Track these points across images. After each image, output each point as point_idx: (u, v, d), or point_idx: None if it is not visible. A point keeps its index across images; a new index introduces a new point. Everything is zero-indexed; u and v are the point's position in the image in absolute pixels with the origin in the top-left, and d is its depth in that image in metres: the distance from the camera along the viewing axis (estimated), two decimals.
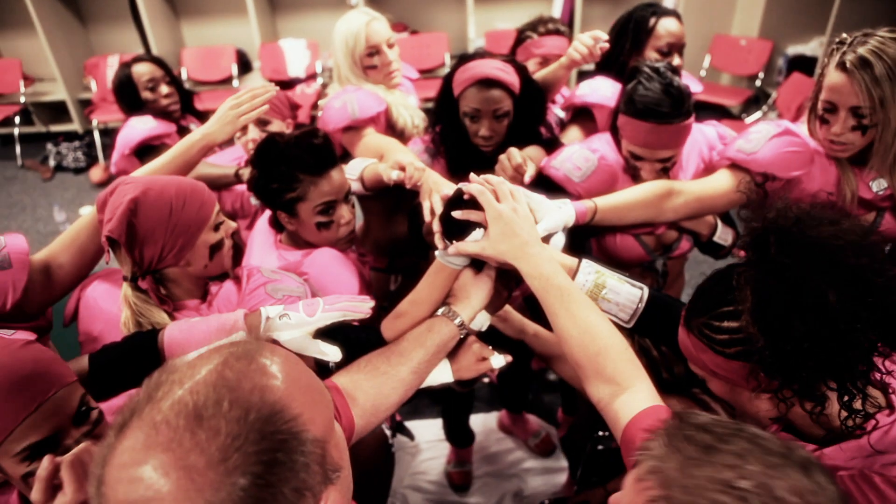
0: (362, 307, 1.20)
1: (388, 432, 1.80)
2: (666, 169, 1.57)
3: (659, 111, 1.46)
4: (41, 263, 1.30)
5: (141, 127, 2.33)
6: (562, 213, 1.37)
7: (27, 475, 0.87)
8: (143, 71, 2.36)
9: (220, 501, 0.50)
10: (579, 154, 1.66)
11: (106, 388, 1.13)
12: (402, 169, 1.47)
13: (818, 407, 0.86)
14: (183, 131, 2.35)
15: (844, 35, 1.35)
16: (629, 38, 1.84)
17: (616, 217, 1.52)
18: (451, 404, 2.24)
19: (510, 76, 1.63)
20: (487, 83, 1.62)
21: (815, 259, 0.80)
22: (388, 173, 1.51)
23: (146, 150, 2.24)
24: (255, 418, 0.54)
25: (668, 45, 1.84)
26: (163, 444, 0.52)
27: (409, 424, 2.39)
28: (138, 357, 1.16)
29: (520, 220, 1.17)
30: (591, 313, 1.09)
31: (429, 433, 2.48)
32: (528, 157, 1.60)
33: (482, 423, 2.53)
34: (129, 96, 2.39)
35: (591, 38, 1.77)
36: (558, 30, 2.16)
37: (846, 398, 0.84)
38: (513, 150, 1.54)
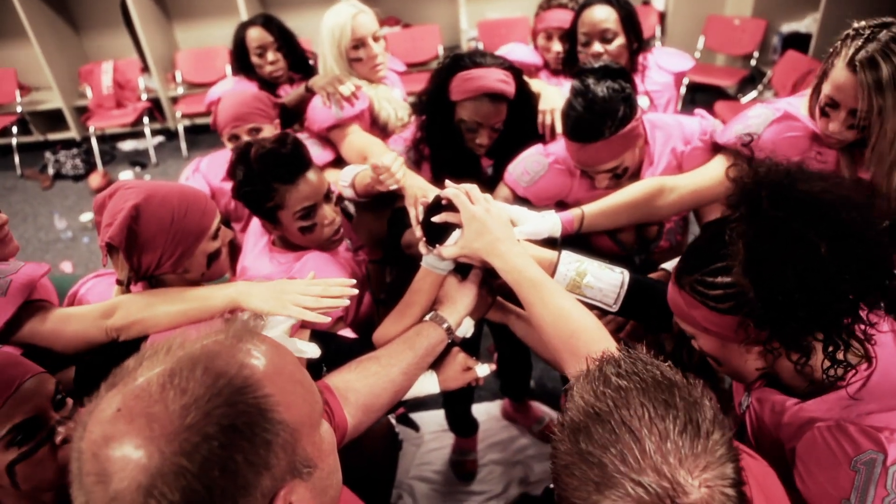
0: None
1: (393, 421, 1.82)
2: (618, 176, 1.53)
3: (584, 133, 1.43)
4: (57, 318, 1.24)
5: (220, 87, 2.46)
6: (545, 221, 1.39)
7: (13, 463, 0.91)
8: (253, 37, 2.39)
9: (172, 453, 0.52)
10: (532, 158, 1.65)
11: (91, 387, 1.17)
12: (375, 168, 1.45)
13: (803, 358, 0.89)
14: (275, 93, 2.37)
15: (864, 23, 1.27)
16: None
17: (607, 222, 1.50)
18: (452, 394, 2.25)
19: (510, 87, 1.62)
20: (491, 97, 1.60)
21: (807, 212, 0.82)
22: (367, 178, 1.51)
23: None
24: (223, 384, 0.56)
25: (584, 34, 1.85)
26: (134, 393, 0.56)
27: (413, 415, 2.40)
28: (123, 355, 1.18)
29: (492, 219, 1.21)
30: (564, 300, 1.13)
31: (433, 423, 2.50)
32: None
33: (485, 411, 2.54)
34: (240, 58, 2.45)
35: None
36: (560, 3, 2.16)
37: (831, 349, 0.87)
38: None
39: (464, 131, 1.67)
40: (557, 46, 2.09)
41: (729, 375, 1.08)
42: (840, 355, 0.87)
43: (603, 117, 1.40)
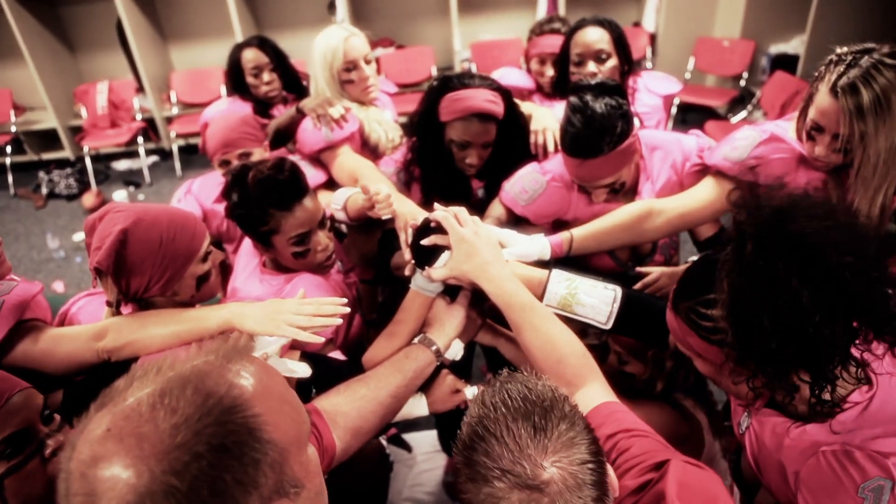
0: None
1: (384, 443, 1.81)
2: (616, 190, 1.54)
3: (583, 149, 1.44)
4: (49, 339, 1.24)
5: (214, 108, 2.51)
6: (535, 245, 1.40)
7: (2, 477, 0.91)
8: (249, 58, 2.42)
9: (162, 472, 0.52)
10: (529, 176, 1.66)
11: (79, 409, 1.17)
12: (366, 191, 1.45)
13: (787, 397, 0.88)
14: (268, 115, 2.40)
15: (846, 48, 1.29)
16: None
17: (595, 244, 1.51)
18: (445, 415, 2.23)
19: (499, 107, 1.63)
20: (480, 116, 1.61)
21: (793, 257, 0.79)
22: (359, 201, 1.52)
23: None
24: (213, 404, 0.56)
25: (578, 55, 1.88)
26: (124, 413, 0.56)
27: (406, 436, 2.39)
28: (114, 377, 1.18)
29: (481, 242, 1.22)
30: (552, 325, 1.14)
31: (425, 444, 2.47)
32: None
33: None
34: (235, 78, 2.47)
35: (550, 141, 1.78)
36: (553, 29, 2.20)
37: (817, 390, 0.85)
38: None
39: (454, 151, 1.68)
40: (551, 71, 2.12)
41: (727, 392, 1.08)
42: (826, 395, 0.86)
43: (601, 133, 1.41)
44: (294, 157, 1.89)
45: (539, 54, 2.17)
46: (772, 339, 0.80)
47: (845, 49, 1.29)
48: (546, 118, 1.81)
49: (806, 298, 0.77)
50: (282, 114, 2.22)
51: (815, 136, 1.36)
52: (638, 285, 1.60)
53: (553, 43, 2.12)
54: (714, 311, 0.90)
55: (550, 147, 1.73)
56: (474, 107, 1.60)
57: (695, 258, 1.63)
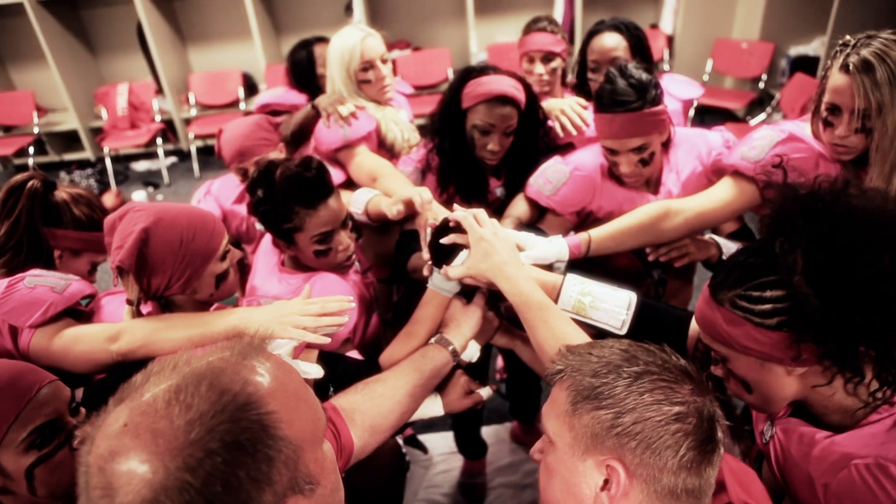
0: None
1: (400, 442, 1.81)
2: (644, 161, 1.54)
3: (619, 100, 1.47)
4: (67, 337, 1.26)
5: (269, 94, 2.50)
6: (553, 246, 1.41)
7: (33, 466, 0.94)
8: (322, 52, 2.41)
9: (176, 468, 0.53)
10: (552, 168, 1.68)
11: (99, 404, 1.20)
12: (409, 203, 1.47)
13: (857, 377, 0.85)
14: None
15: (848, 37, 1.32)
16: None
17: (614, 245, 1.51)
18: (461, 417, 2.24)
19: (521, 93, 1.66)
20: (503, 100, 1.64)
21: (862, 226, 0.81)
22: (391, 210, 1.52)
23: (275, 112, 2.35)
24: (227, 401, 0.57)
25: (594, 62, 1.89)
26: (140, 409, 0.57)
27: (422, 437, 2.39)
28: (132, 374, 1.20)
29: (499, 242, 1.23)
30: (567, 325, 1.13)
31: (442, 446, 2.48)
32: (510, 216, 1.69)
33: (494, 434, 2.52)
34: (301, 74, 2.46)
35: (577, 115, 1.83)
36: (539, 27, 2.18)
37: (883, 368, 0.83)
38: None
39: (476, 139, 1.70)
40: (539, 69, 2.10)
41: (756, 403, 1.01)
42: (890, 378, 0.84)
43: (639, 90, 1.47)
44: None
45: (527, 52, 2.15)
46: (859, 298, 0.79)
47: (848, 37, 1.32)
48: (558, 102, 1.85)
49: (887, 261, 0.79)
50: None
51: (833, 119, 1.35)
52: (663, 249, 1.60)
53: (540, 41, 2.10)
54: (775, 292, 0.86)
55: (577, 120, 1.77)
56: (498, 90, 1.63)
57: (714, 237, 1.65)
